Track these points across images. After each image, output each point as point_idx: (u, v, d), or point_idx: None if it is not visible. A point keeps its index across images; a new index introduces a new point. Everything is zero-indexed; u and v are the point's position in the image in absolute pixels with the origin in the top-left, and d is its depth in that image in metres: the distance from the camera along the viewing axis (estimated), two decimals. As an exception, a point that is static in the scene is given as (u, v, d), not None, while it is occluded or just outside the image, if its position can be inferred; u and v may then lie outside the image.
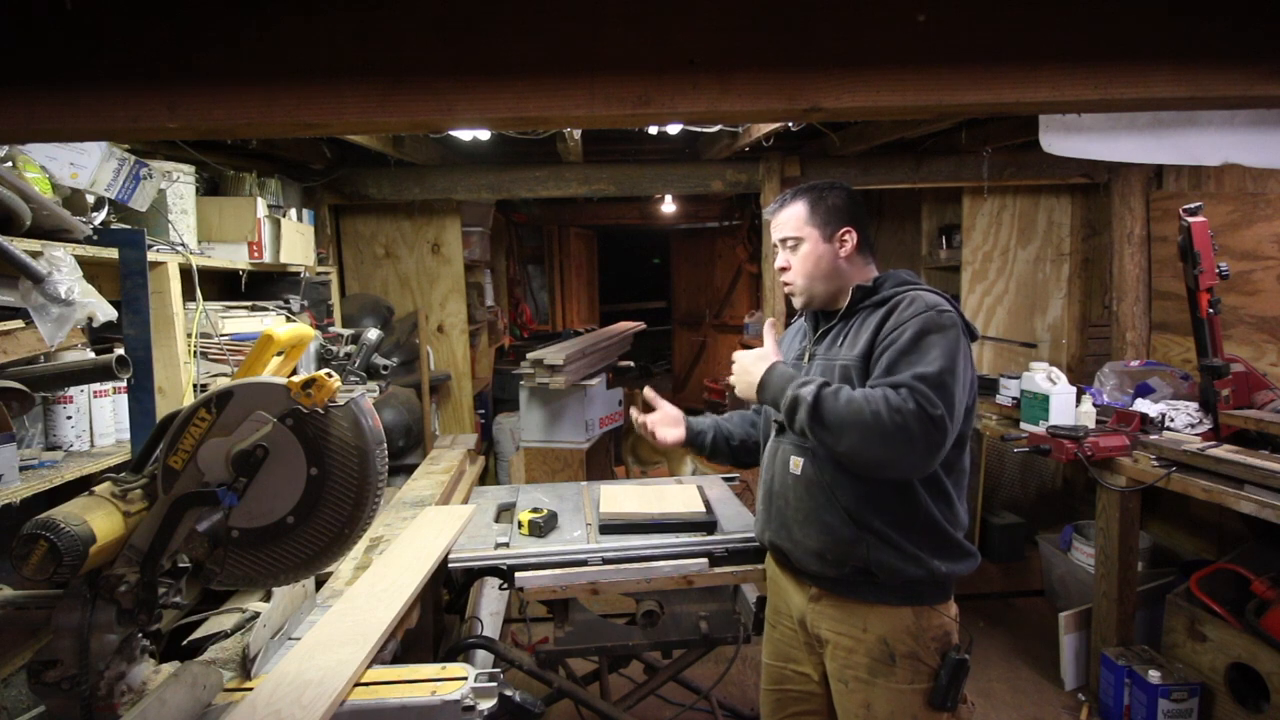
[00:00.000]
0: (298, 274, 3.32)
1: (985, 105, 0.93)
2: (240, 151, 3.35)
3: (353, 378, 2.71)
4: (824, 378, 1.53)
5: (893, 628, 1.53)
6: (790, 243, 1.68)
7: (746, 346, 1.69)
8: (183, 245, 2.54)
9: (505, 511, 2.48)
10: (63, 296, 1.62)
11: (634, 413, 1.94)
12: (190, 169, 2.67)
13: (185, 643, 1.54)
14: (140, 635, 1.22)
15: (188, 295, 2.43)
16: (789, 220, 1.68)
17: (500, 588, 2.20)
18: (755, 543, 2.07)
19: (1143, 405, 2.94)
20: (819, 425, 1.43)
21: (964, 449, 1.56)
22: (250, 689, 1.33)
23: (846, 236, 1.64)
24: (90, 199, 2.12)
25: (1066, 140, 2.92)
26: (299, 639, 1.53)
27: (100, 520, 1.11)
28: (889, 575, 1.51)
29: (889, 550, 1.50)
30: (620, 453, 5.04)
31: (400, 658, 1.66)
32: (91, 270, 1.78)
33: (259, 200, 2.98)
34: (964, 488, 1.60)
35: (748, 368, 1.62)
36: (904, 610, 1.53)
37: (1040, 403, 3.04)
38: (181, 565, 1.23)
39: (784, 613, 1.75)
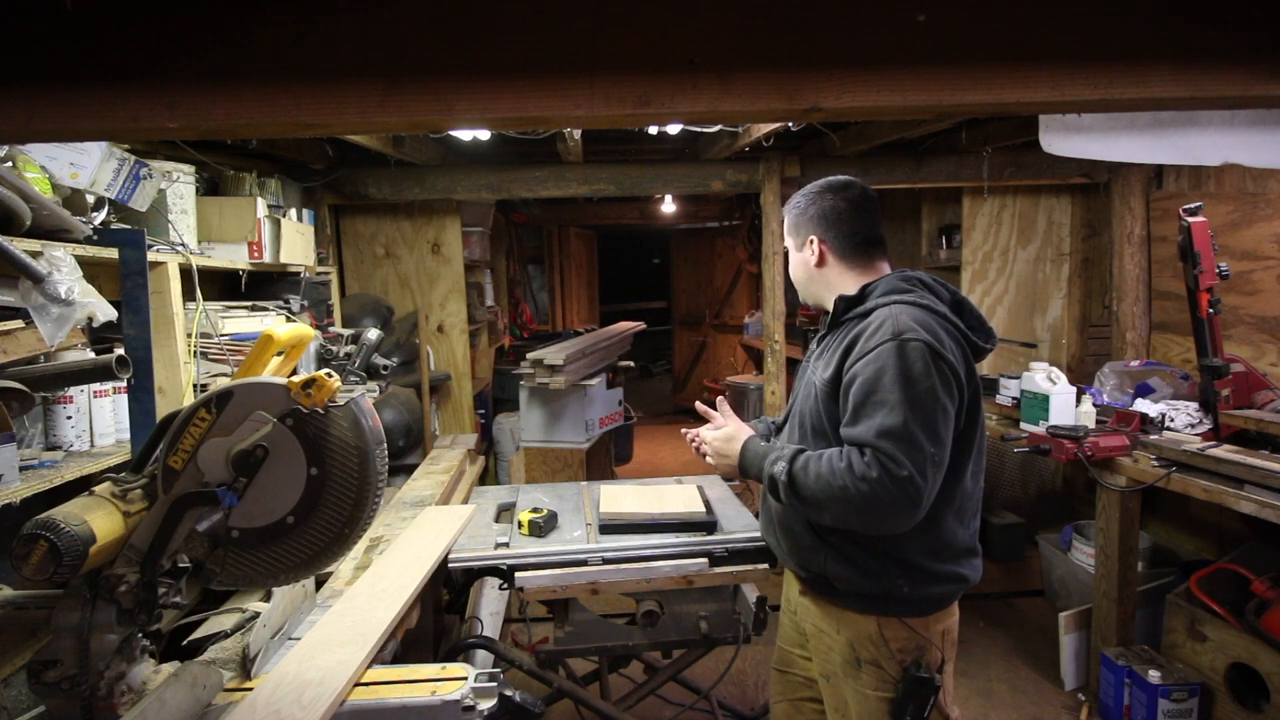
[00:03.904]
0: (298, 274, 3.32)
1: (985, 105, 0.93)
2: (240, 151, 3.35)
3: (353, 378, 2.70)
4: (796, 444, 1.54)
5: (857, 633, 1.53)
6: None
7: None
8: (183, 245, 2.54)
9: (505, 511, 2.48)
10: (63, 296, 1.62)
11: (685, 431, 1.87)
12: (190, 169, 2.67)
13: (185, 643, 1.54)
14: (140, 635, 1.22)
15: (188, 295, 2.43)
16: (784, 229, 1.76)
17: (500, 588, 2.19)
18: (755, 543, 2.08)
19: (1143, 405, 2.94)
20: (800, 503, 1.45)
21: (963, 472, 1.49)
22: (250, 689, 1.33)
23: (813, 246, 1.65)
24: (90, 199, 2.12)
25: (1066, 140, 2.92)
26: (299, 639, 1.53)
27: (100, 520, 1.11)
28: (846, 585, 1.52)
29: (846, 564, 1.51)
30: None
31: (400, 658, 1.66)
32: (91, 270, 1.78)
33: (259, 200, 2.98)
34: (968, 509, 1.53)
35: (721, 451, 1.65)
36: (868, 618, 1.52)
37: (1040, 403, 3.04)
38: (181, 565, 1.23)
39: (790, 599, 1.78)
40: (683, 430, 1.85)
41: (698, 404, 1.86)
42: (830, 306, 1.63)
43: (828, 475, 1.39)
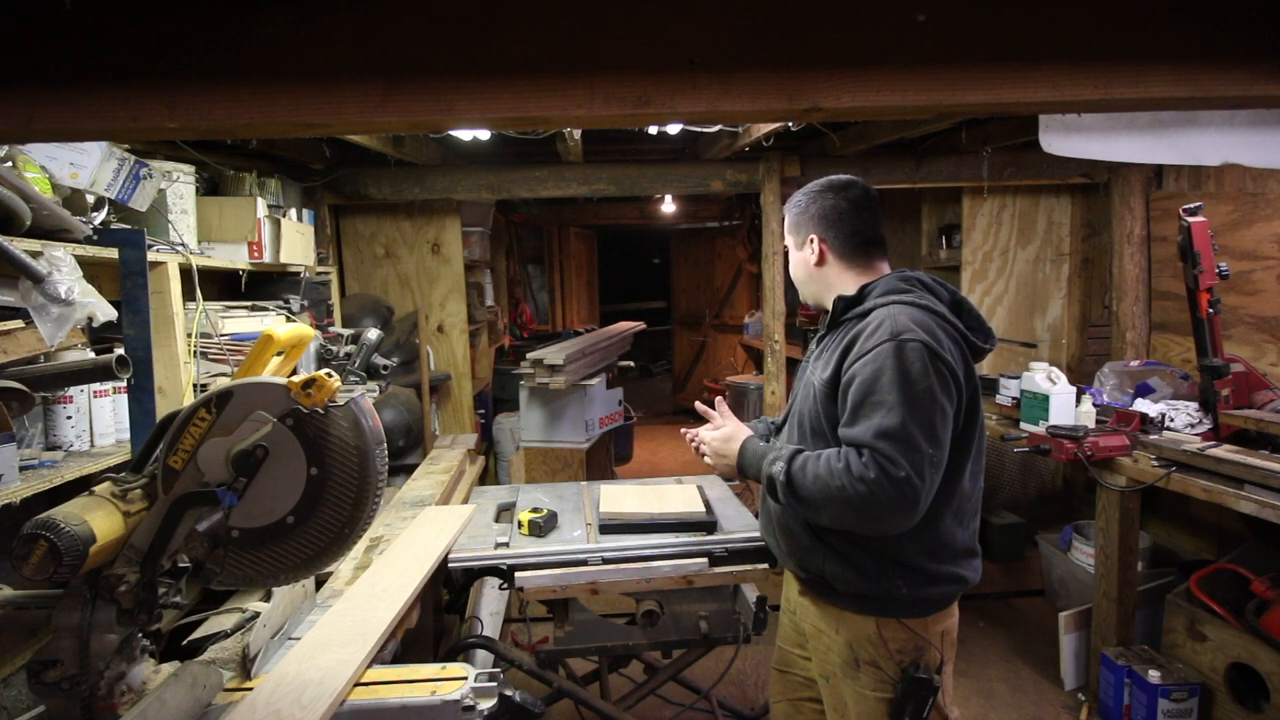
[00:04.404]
0: (298, 274, 3.32)
1: (985, 105, 0.93)
2: (240, 151, 3.35)
3: (353, 378, 2.70)
4: (795, 445, 1.54)
5: (856, 634, 1.53)
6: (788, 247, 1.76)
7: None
8: (183, 245, 2.54)
9: (505, 511, 2.48)
10: (63, 296, 1.62)
11: (684, 431, 1.85)
12: (190, 169, 2.67)
13: (185, 643, 1.55)
14: (140, 635, 1.22)
15: (188, 295, 2.43)
16: (784, 228, 1.75)
17: (500, 588, 2.19)
18: (755, 543, 2.08)
19: (1143, 405, 2.94)
20: (798, 503, 1.45)
21: (962, 473, 1.49)
22: (250, 689, 1.33)
23: (813, 245, 1.64)
24: (90, 199, 2.12)
25: (1066, 140, 2.92)
26: (299, 639, 1.53)
27: (100, 520, 1.11)
28: (845, 586, 1.52)
29: (844, 565, 1.50)
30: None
31: (400, 658, 1.67)
32: (91, 270, 1.78)
33: (259, 200, 2.98)
34: (967, 510, 1.53)
35: (720, 451, 1.65)
36: (867, 619, 1.52)
37: (1040, 403, 3.04)
38: (181, 565, 1.23)
39: (789, 599, 1.78)
40: (682, 430, 1.84)
41: (697, 404, 1.86)
42: (830, 306, 1.63)
43: (825, 476, 1.39)
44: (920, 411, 1.36)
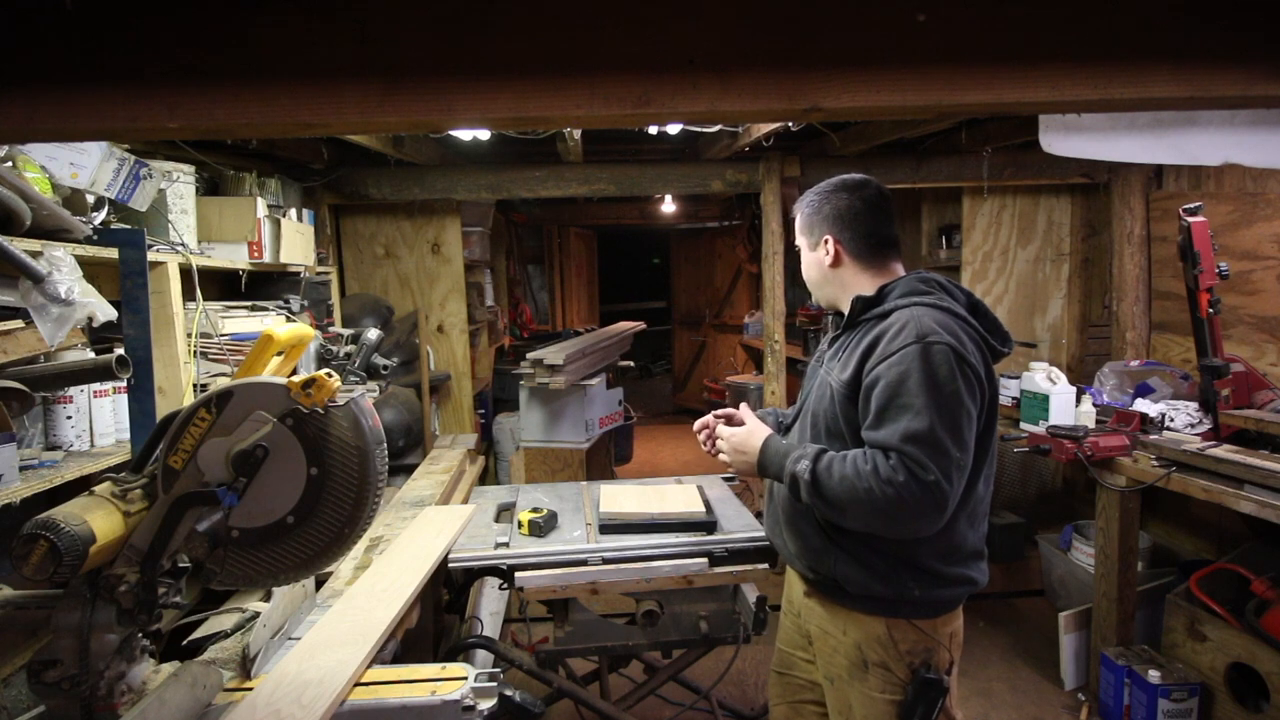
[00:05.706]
0: (298, 274, 3.32)
1: (985, 105, 0.93)
2: (240, 151, 3.35)
3: (353, 378, 2.71)
4: (817, 444, 1.51)
5: (866, 635, 1.52)
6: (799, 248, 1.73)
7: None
8: (183, 245, 2.54)
9: (505, 511, 2.48)
10: (63, 296, 1.62)
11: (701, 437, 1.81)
12: (190, 169, 2.67)
13: (185, 643, 1.55)
14: (140, 635, 1.22)
15: (188, 295, 2.43)
16: (796, 227, 1.72)
17: (500, 588, 2.20)
18: (755, 543, 2.08)
19: (1143, 405, 2.94)
20: (822, 503, 1.42)
21: (979, 476, 1.49)
22: (250, 689, 1.33)
23: (828, 245, 1.61)
24: (90, 199, 2.12)
25: (1066, 140, 2.92)
26: (299, 639, 1.53)
27: (100, 520, 1.11)
28: (856, 588, 1.50)
29: (856, 566, 1.49)
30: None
31: (400, 658, 1.67)
32: (91, 270, 1.78)
33: (259, 200, 2.98)
34: (979, 513, 1.53)
35: (739, 447, 1.61)
36: (877, 620, 1.51)
37: (1040, 402, 3.04)
38: (181, 565, 1.23)
39: (793, 601, 1.76)
40: (695, 425, 1.78)
41: (738, 409, 1.79)
42: (844, 307, 1.60)
43: (852, 477, 1.37)
44: (948, 415, 1.35)
